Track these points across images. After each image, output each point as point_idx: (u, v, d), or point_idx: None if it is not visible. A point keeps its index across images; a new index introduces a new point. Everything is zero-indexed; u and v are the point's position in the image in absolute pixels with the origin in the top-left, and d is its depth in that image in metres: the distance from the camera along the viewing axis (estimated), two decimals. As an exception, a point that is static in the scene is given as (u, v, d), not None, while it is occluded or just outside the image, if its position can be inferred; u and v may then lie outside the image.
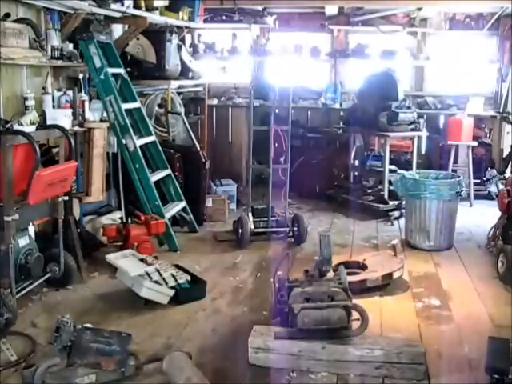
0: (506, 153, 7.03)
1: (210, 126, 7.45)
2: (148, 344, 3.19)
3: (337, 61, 7.61)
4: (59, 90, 4.53)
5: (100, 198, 4.62)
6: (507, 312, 3.59)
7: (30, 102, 4.04)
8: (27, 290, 3.63)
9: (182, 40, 6.55)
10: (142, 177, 4.84)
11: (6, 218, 3.27)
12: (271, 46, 7.61)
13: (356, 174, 6.75)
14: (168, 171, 5.25)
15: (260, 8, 7.40)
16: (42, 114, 3.98)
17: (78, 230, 4.31)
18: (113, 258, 4.02)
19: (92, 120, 4.57)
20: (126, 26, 5.52)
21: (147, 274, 3.73)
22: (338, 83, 7.65)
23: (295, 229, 5.12)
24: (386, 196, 6.04)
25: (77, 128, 4.30)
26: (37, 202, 3.44)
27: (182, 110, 6.27)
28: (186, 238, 5.26)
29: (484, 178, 6.95)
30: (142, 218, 4.64)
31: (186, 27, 6.46)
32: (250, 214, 5.13)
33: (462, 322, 3.29)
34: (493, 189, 6.54)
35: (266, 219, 5.14)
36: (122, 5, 4.97)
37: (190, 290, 3.86)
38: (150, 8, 5.45)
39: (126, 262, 3.93)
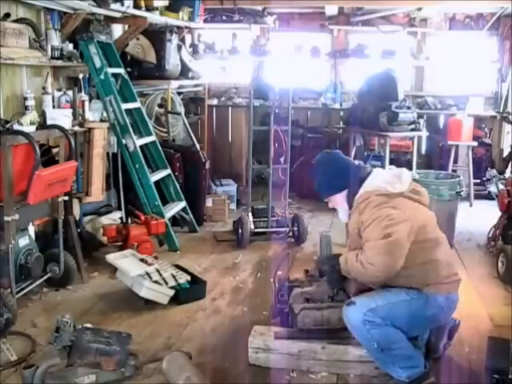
0: (506, 153, 7.03)
1: (210, 126, 7.45)
2: (148, 344, 3.19)
3: (337, 61, 7.61)
4: (59, 89, 4.53)
5: (100, 198, 4.61)
6: (507, 312, 3.59)
7: (30, 102, 4.03)
8: (27, 290, 3.63)
9: (182, 40, 6.55)
10: (142, 177, 4.84)
11: (6, 218, 3.27)
12: (271, 46, 7.62)
13: (356, 173, 6.74)
14: (168, 171, 5.25)
15: (260, 8, 7.40)
16: (42, 114, 3.97)
17: (78, 230, 4.32)
18: (113, 257, 4.03)
19: (92, 120, 4.56)
20: (126, 26, 5.52)
21: (147, 273, 3.73)
22: (338, 83, 7.66)
23: (295, 229, 5.12)
24: (385, 196, 6.03)
25: (77, 128, 4.30)
26: (37, 201, 3.43)
27: (182, 110, 6.28)
28: (186, 238, 5.26)
29: (484, 178, 6.95)
30: (142, 218, 4.64)
31: (186, 27, 6.46)
32: (250, 214, 5.13)
33: (462, 322, 3.28)
34: (493, 189, 6.54)
35: (265, 219, 5.13)
36: (122, 5, 4.97)
37: (190, 290, 3.86)
38: (150, 8, 5.44)
39: (126, 262, 3.93)
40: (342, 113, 7.52)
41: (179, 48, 6.01)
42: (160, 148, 5.27)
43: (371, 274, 2.65)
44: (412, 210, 2.75)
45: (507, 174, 6.48)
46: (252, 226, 5.06)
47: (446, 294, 2.75)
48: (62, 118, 4.07)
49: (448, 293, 2.76)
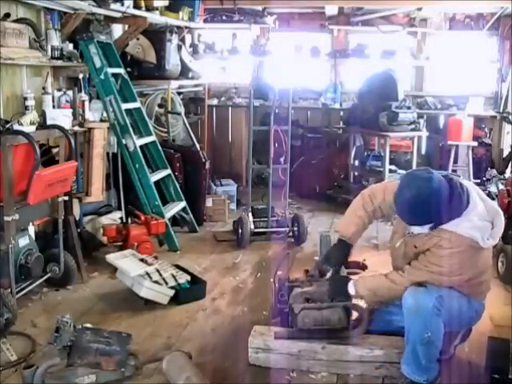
0: (506, 153, 7.02)
1: (210, 126, 7.45)
2: (148, 344, 3.19)
3: (337, 61, 7.61)
4: (59, 89, 4.53)
5: (100, 198, 4.61)
6: (507, 312, 3.59)
7: (30, 102, 4.03)
8: (27, 290, 3.63)
9: (182, 40, 6.55)
10: (142, 177, 4.84)
11: (6, 218, 3.27)
12: (271, 46, 7.61)
13: (356, 173, 6.75)
14: (168, 171, 5.25)
15: (260, 8, 7.40)
16: (42, 114, 3.97)
17: (78, 230, 4.32)
18: (113, 257, 4.03)
19: (92, 120, 4.56)
20: (126, 26, 5.52)
21: (147, 273, 3.73)
22: (338, 83, 7.65)
23: (295, 229, 5.12)
24: (385, 196, 6.02)
25: (77, 128, 4.29)
26: (37, 201, 3.43)
27: (182, 110, 6.27)
28: (186, 238, 5.25)
29: (484, 178, 6.94)
30: (142, 218, 4.63)
31: (186, 27, 6.46)
32: (250, 214, 5.13)
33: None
34: (493, 189, 6.52)
35: (265, 219, 5.13)
36: (122, 5, 4.96)
37: (190, 290, 3.86)
38: (150, 8, 5.44)
39: (126, 262, 3.93)
40: (341, 113, 7.52)
41: (179, 48, 6.01)
42: (160, 148, 5.27)
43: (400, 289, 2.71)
44: (486, 263, 2.77)
45: (507, 174, 6.47)
46: (252, 226, 5.06)
47: (482, 300, 2.84)
48: (62, 118, 4.06)
49: (483, 299, 2.85)
